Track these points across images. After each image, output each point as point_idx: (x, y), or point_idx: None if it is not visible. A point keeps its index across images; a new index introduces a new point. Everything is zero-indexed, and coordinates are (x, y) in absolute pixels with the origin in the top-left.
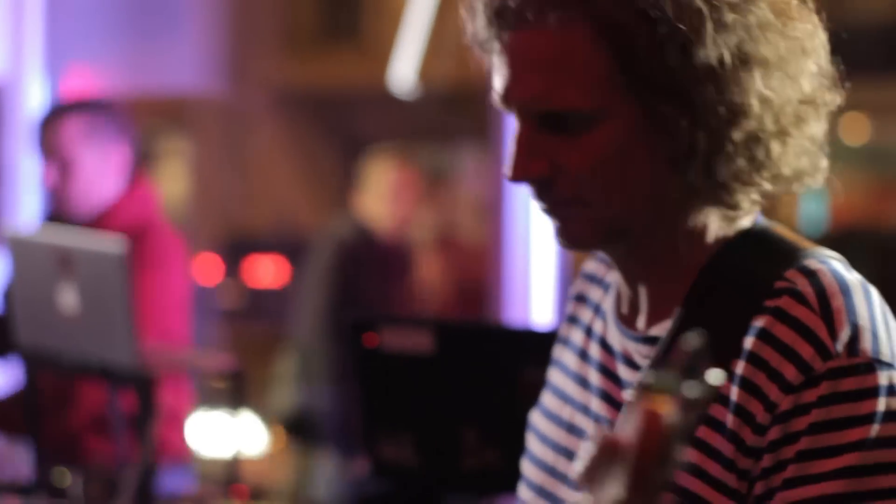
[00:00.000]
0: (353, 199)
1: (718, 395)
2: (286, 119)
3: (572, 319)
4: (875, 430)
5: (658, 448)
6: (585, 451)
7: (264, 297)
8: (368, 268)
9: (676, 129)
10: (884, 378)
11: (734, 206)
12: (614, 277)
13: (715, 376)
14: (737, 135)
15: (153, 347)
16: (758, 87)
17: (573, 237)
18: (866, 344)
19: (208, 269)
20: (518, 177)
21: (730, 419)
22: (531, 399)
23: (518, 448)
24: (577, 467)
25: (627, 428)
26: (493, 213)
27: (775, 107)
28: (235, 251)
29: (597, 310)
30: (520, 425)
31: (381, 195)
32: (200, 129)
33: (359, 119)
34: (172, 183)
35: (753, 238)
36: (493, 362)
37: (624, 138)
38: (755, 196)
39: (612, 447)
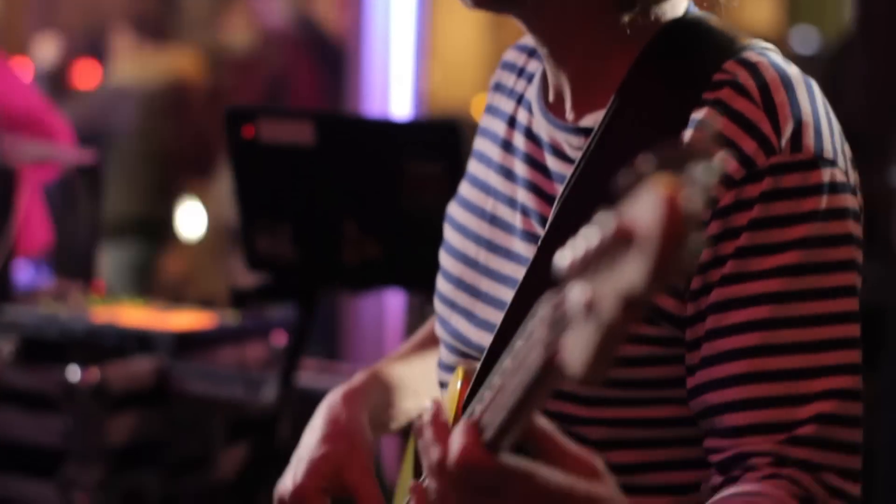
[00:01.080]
0: None
1: None
2: None
3: (490, 109)
4: (817, 228)
5: (681, 234)
6: (583, 238)
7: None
8: (311, 63)
9: None
10: (826, 175)
11: None
12: (537, 66)
13: (721, 160)
14: None
15: (13, 139)
16: None
17: None
18: (809, 140)
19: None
20: None
21: None
22: (413, 192)
23: (398, 241)
24: (562, 257)
25: (640, 214)
26: (351, 2)
27: None
28: None
29: (520, 100)
30: (401, 218)
31: None
32: None
33: None
34: None
35: (688, 27)
36: (375, 155)
37: None
38: None
39: (627, 234)
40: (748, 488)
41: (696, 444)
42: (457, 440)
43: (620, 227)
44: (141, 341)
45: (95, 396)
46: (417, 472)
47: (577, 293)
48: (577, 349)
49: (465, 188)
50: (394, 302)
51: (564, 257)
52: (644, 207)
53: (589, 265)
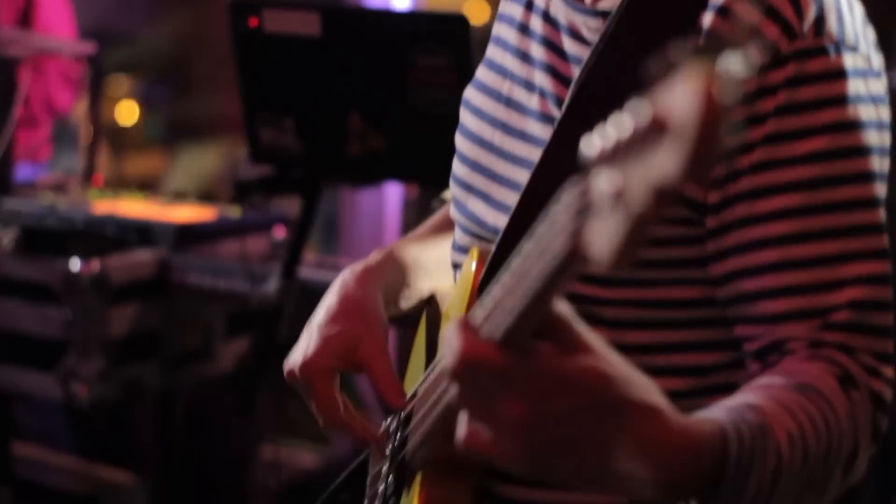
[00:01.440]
0: None
1: None
2: None
3: None
4: (844, 112)
5: (716, 127)
6: (612, 125)
7: None
8: None
9: None
10: (849, 60)
11: None
12: None
13: (758, 49)
14: None
15: (12, 32)
16: None
17: None
18: (832, 25)
19: None
20: None
21: None
22: (418, 84)
23: (402, 134)
24: (590, 144)
25: (674, 104)
26: None
27: None
28: None
29: None
30: (406, 111)
31: None
32: None
33: None
34: None
35: None
36: (382, 47)
37: None
38: None
39: (661, 124)
40: (788, 368)
41: (713, 327)
42: (454, 339)
43: (655, 116)
44: (141, 233)
45: (96, 288)
46: (430, 355)
47: (605, 181)
48: (603, 238)
49: (481, 72)
50: (392, 198)
51: (593, 145)
52: (679, 98)
53: (619, 153)
